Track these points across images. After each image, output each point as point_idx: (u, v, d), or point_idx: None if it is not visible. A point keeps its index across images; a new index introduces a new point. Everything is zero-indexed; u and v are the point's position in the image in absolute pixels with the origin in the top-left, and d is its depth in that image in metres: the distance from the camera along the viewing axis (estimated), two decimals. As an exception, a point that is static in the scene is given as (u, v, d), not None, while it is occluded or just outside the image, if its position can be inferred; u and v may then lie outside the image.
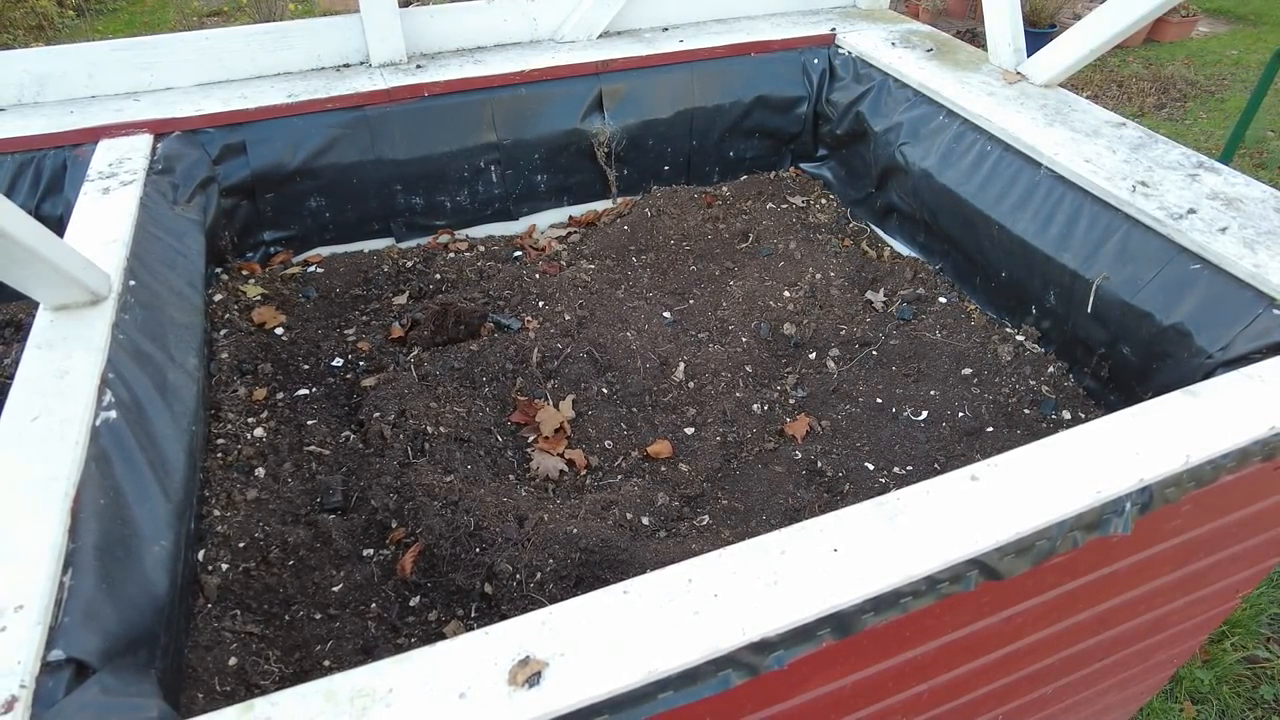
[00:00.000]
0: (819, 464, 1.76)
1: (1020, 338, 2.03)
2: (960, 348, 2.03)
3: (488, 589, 1.46)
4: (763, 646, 0.93)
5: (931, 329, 2.10)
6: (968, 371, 1.97)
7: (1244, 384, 1.29)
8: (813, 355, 2.09)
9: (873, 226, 2.56)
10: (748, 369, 2.03)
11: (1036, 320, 2.01)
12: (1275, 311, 1.49)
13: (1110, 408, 1.81)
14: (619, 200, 2.64)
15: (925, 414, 1.87)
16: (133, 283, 1.56)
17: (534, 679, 0.86)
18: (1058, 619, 1.33)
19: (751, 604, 0.95)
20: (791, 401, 1.96)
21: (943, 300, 2.21)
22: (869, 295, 2.24)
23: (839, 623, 0.97)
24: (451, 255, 2.41)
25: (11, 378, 1.31)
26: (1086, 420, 1.72)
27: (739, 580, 0.98)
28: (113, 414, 1.28)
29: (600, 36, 2.54)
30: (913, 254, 2.41)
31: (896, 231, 2.48)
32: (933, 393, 1.92)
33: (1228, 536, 1.44)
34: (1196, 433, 1.20)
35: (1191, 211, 1.70)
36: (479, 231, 2.54)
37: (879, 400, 1.94)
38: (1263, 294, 1.52)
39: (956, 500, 1.09)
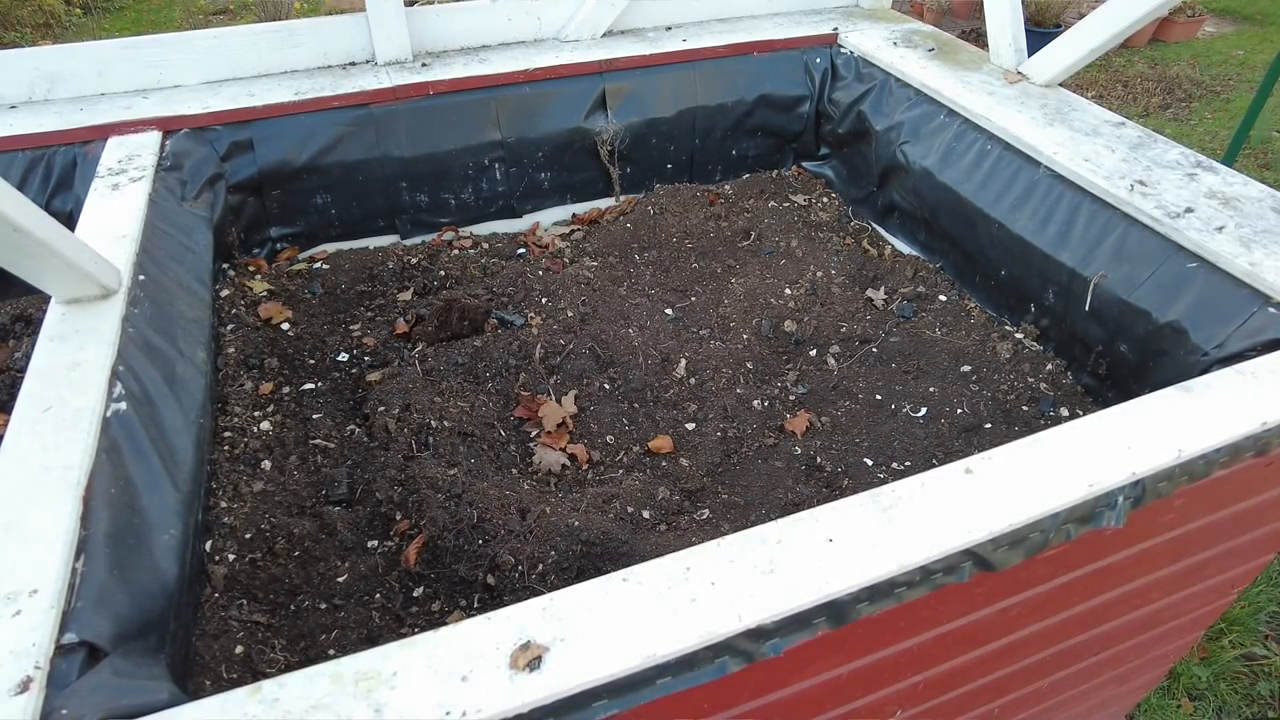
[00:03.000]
0: (818, 459, 1.78)
1: (1019, 335, 2.05)
2: (960, 345, 2.04)
3: (490, 580, 1.48)
4: (759, 634, 0.95)
5: (931, 326, 2.12)
6: (967, 369, 1.98)
7: (1237, 380, 1.31)
8: (813, 352, 2.10)
9: (874, 225, 2.58)
10: (749, 365, 2.05)
11: (1035, 318, 2.03)
12: (1270, 309, 1.51)
13: (1107, 405, 1.83)
14: (622, 198, 2.66)
15: (925, 410, 1.88)
16: (142, 277, 1.58)
17: (535, 663, 0.88)
18: (1052, 612, 1.34)
19: (748, 592, 0.97)
20: (792, 398, 1.98)
21: (943, 298, 2.23)
22: (869, 293, 2.26)
23: (834, 611, 0.99)
24: (456, 252, 2.44)
25: (24, 370, 1.34)
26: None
27: (736, 569, 1.00)
28: (123, 405, 1.30)
29: (604, 36, 2.56)
30: (913, 252, 2.43)
31: (897, 230, 2.49)
32: (932, 390, 1.94)
33: (1222, 532, 1.45)
34: (1189, 428, 1.21)
35: (1189, 210, 1.71)
36: (483, 229, 2.56)
37: (879, 397, 1.95)
38: (1258, 292, 1.53)
39: (951, 492, 1.11)
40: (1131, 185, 1.79)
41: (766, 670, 0.99)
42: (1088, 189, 1.85)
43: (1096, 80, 7.00)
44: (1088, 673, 1.70)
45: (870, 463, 1.78)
